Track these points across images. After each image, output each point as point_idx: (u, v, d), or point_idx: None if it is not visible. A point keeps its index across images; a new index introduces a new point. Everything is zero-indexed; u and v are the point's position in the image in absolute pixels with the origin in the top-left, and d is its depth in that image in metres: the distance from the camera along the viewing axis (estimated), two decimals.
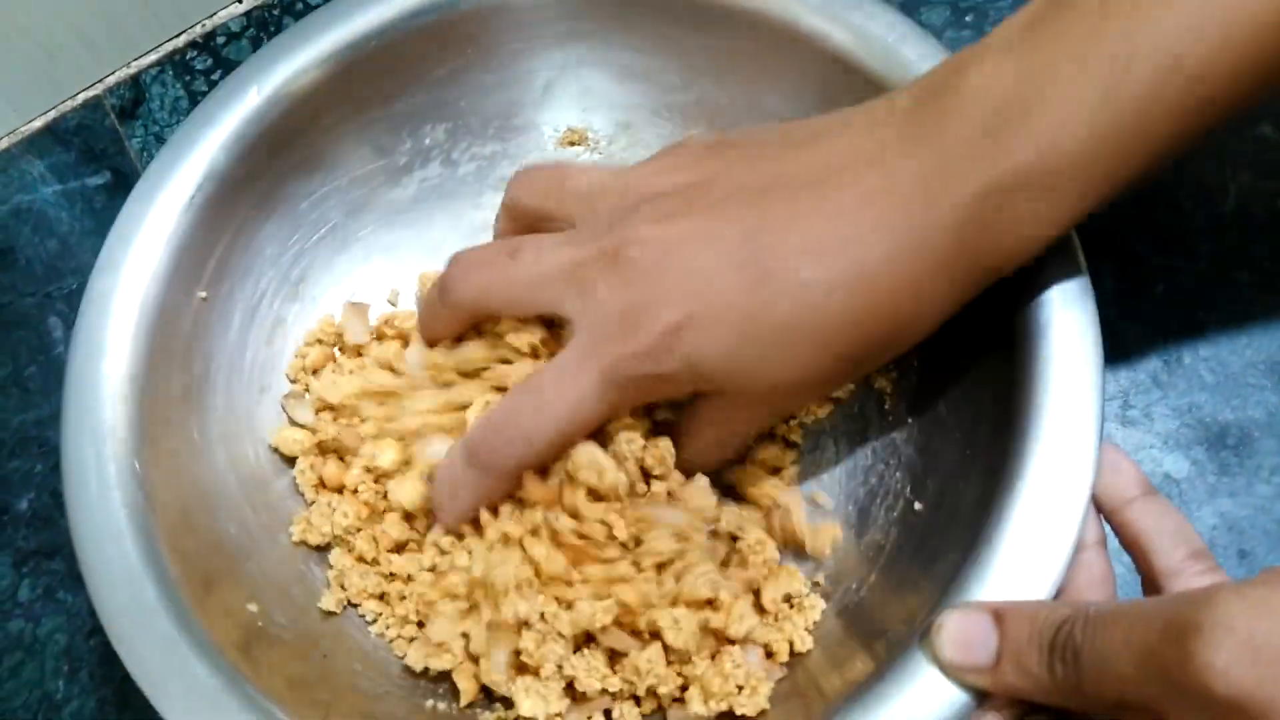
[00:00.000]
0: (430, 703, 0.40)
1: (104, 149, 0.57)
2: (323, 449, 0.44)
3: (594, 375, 0.35)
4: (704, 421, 0.39)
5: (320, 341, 0.46)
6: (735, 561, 0.41)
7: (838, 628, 0.39)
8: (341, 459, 0.43)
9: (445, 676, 0.41)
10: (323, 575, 0.42)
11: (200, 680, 0.35)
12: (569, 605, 0.38)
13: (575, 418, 0.36)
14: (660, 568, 0.38)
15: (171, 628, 0.36)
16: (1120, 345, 0.49)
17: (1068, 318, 0.37)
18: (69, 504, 0.38)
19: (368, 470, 0.42)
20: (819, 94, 0.44)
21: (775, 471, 0.43)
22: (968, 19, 0.54)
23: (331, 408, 0.44)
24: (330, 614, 0.41)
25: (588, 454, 0.37)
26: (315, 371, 0.46)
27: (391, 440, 0.42)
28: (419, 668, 0.40)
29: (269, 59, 0.44)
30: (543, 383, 0.36)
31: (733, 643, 0.39)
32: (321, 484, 0.43)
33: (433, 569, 0.40)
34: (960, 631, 0.31)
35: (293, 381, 0.46)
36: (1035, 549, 0.34)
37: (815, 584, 0.41)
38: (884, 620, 0.37)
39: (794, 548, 0.42)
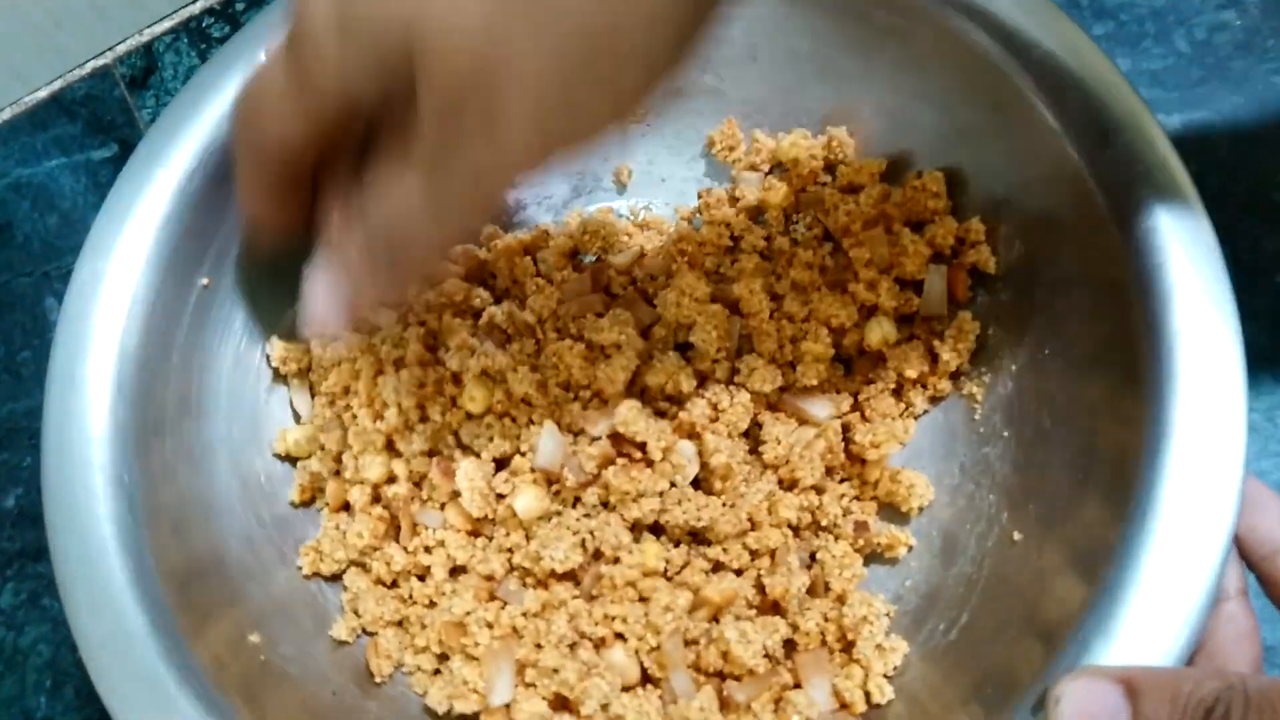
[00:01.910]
0: None
1: (112, 120, 0.53)
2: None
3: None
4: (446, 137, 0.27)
5: None
6: (815, 574, 0.36)
7: (923, 677, 0.34)
8: (339, 473, 0.39)
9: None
10: (336, 600, 0.38)
11: None
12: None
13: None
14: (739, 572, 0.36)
15: (161, 663, 0.32)
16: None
17: (1204, 321, 0.31)
18: (48, 519, 0.33)
19: (361, 483, 0.38)
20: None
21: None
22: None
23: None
24: (343, 644, 0.37)
25: None
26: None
27: (375, 451, 0.37)
28: (441, 709, 0.35)
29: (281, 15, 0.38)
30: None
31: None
32: (319, 494, 0.39)
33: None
34: (1084, 707, 0.26)
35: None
36: (1167, 598, 0.29)
37: (891, 616, 0.36)
38: (979, 673, 0.32)
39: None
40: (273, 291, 0.39)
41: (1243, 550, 0.30)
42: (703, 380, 0.38)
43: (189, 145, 0.37)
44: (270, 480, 0.39)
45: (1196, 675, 0.25)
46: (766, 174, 0.42)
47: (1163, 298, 0.32)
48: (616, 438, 0.36)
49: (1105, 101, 0.34)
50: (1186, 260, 0.32)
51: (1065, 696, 0.27)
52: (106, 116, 0.53)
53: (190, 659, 0.32)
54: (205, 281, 0.38)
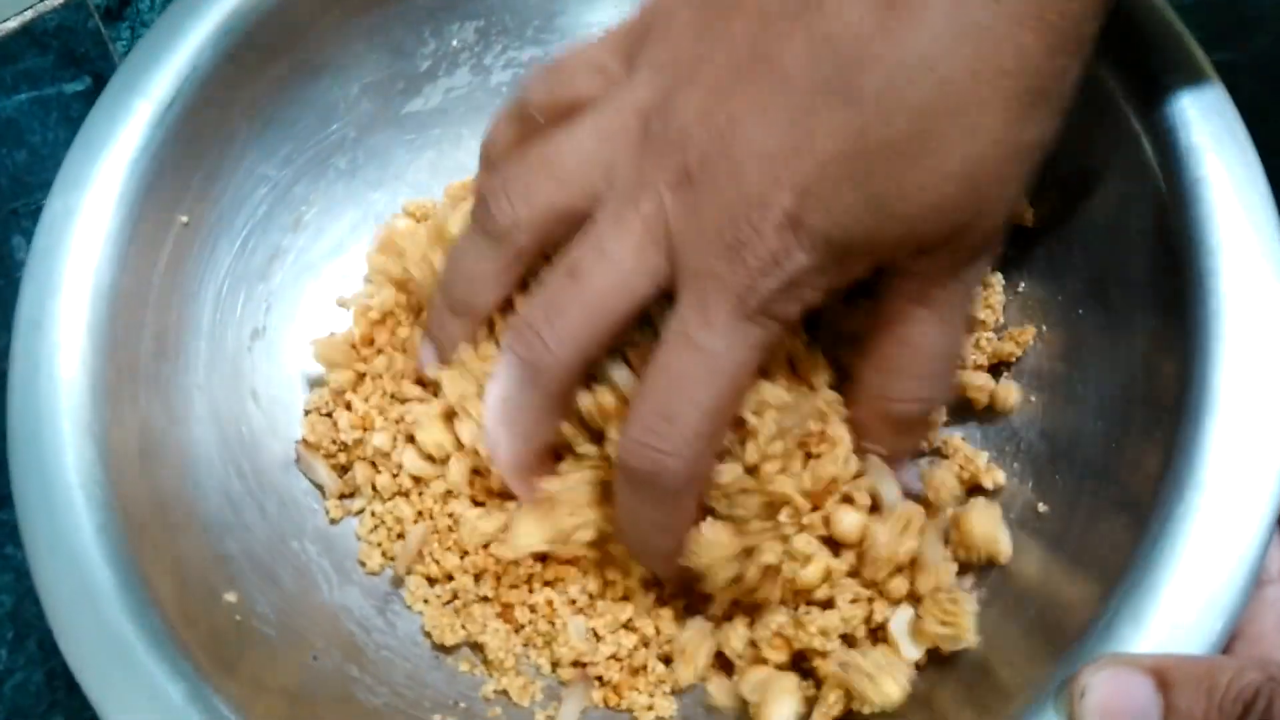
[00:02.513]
0: (437, 717, 0.33)
1: (85, 53, 0.50)
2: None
3: (729, 328, 0.27)
4: (895, 325, 0.30)
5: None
6: None
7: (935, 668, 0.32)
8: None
9: (456, 684, 0.34)
10: (321, 560, 0.36)
11: (160, 690, 0.29)
12: None
13: (735, 385, 0.28)
14: None
15: (128, 623, 0.30)
16: None
17: (1255, 279, 0.29)
18: (12, 468, 0.31)
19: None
20: None
21: None
22: None
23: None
24: (327, 605, 0.35)
25: None
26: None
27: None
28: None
29: None
30: (679, 367, 0.28)
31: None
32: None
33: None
34: (1112, 699, 0.24)
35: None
36: (1204, 580, 0.27)
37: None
38: (997, 663, 0.30)
39: None
40: None
41: None
42: None
43: (168, 73, 0.35)
44: (252, 432, 0.37)
45: (1235, 665, 0.23)
46: None
47: (1210, 253, 0.29)
48: None
49: (1155, 41, 0.31)
50: (1238, 212, 0.29)
51: (1091, 688, 0.24)
52: (79, 49, 0.51)
53: (159, 618, 0.30)
54: (185, 219, 0.36)
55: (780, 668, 0.32)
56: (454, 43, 0.40)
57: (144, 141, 0.35)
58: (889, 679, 0.30)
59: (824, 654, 0.31)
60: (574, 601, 0.35)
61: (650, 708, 0.33)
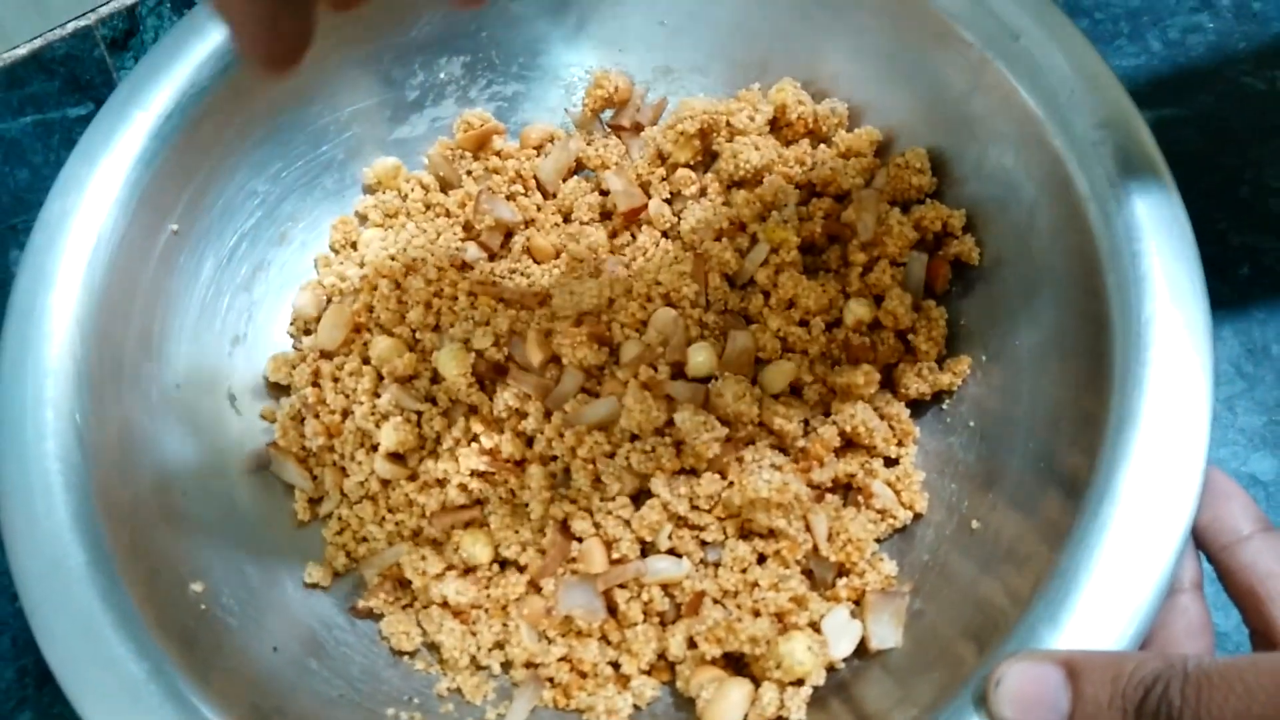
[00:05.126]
0: (391, 711, 0.34)
1: (90, 80, 0.53)
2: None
3: None
4: None
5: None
6: None
7: (870, 669, 0.33)
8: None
9: (411, 681, 0.36)
10: (285, 559, 0.37)
11: (123, 667, 0.30)
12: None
13: None
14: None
15: (97, 602, 0.31)
16: None
17: (1175, 312, 0.31)
18: None
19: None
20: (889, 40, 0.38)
21: None
22: None
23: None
24: (312, 586, 0.37)
25: None
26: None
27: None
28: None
29: None
30: None
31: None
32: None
33: None
34: (1023, 688, 0.26)
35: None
36: (1120, 587, 0.28)
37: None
38: (931, 657, 0.31)
39: None
40: None
41: (1202, 540, 0.30)
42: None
43: (168, 88, 0.37)
44: (227, 434, 0.39)
45: (1138, 656, 0.25)
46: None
47: (1136, 287, 0.31)
48: None
49: (1090, 91, 0.34)
50: (1161, 252, 0.31)
51: (1005, 678, 0.26)
52: (85, 76, 0.53)
53: (128, 601, 0.31)
54: (174, 228, 0.38)
55: (715, 663, 0.33)
56: (441, 75, 0.42)
57: (141, 151, 0.37)
58: (801, 646, 0.32)
59: (756, 658, 0.33)
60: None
61: (596, 709, 0.34)
